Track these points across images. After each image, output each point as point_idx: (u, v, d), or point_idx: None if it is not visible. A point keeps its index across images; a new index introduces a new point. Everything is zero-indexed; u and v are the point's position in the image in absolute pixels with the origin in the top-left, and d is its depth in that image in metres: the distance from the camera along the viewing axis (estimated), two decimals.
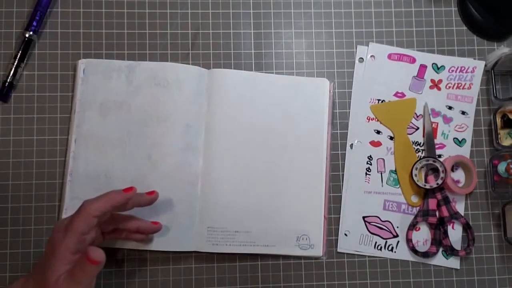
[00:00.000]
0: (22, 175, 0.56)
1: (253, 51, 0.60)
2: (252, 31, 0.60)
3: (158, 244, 0.55)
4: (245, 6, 0.61)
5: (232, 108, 0.58)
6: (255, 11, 0.61)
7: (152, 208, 0.54)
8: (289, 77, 0.59)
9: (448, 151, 0.60)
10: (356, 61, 0.61)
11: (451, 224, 0.59)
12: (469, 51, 0.62)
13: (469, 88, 0.61)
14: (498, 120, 0.59)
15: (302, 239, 0.56)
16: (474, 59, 0.61)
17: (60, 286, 0.43)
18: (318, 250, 0.57)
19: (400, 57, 0.61)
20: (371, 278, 0.58)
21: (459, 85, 0.61)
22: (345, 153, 0.59)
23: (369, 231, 0.58)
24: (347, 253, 0.58)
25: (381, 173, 0.59)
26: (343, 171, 0.59)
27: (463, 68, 0.61)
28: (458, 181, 0.60)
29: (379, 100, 0.60)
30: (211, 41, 0.60)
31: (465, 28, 0.62)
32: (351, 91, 0.60)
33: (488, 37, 0.62)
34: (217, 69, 0.59)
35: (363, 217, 0.59)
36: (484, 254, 0.59)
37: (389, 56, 0.61)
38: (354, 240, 0.58)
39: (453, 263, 0.58)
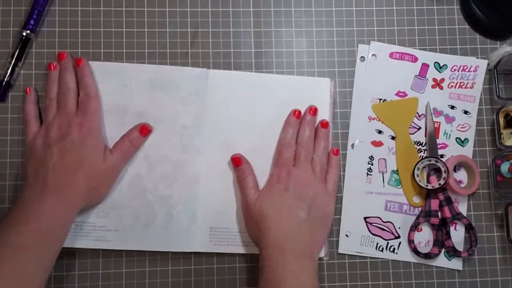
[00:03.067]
0: (19, 176, 0.56)
1: (253, 50, 0.59)
2: (252, 30, 0.60)
3: (159, 245, 0.55)
4: (245, 4, 0.60)
5: (232, 108, 0.57)
6: (255, 9, 0.60)
7: (150, 209, 0.55)
8: (290, 77, 0.59)
9: (450, 151, 0.59)
10: (358, 60, 0.60)
11: (454, 225, 0.58)
12: (471, 50, 0.61)
13: (472, 87, 0.60)
14: (501, 120, 0.59)
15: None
16: (477, 58, 0.61)
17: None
18: (321, 250, 0.56)
19: (402, 56, 0.60)
20: (373, 279, 0.57)
21: (462, 84, 0.60)
22: (346, 153, 0.59)
23: (370, 232, 0.58)
24: (348, 254, 0.57)
25: (383, 174, 0.59)
26: (344, 171, 0.58)
27: (465, 67, 0.60)
28: (460, 182, 0.59)
29: (380, 99, 0.60)
30: (210, 40, 0.59)
31: (467, 26, 0.61)
32: (352, 90, 0.60)
33: (490, 36, 0.61)
34: (216, 70, 0.58)
35: (364, 218, 0.58)
36: (486, 256, 0.58)
37: (391, 55, 0.60)
38: (355, 241, 0.57)
39: (456, 264, 0.58)
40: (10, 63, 0.56)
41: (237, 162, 0.55)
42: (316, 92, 0.58)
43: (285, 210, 0.51)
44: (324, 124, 0.57)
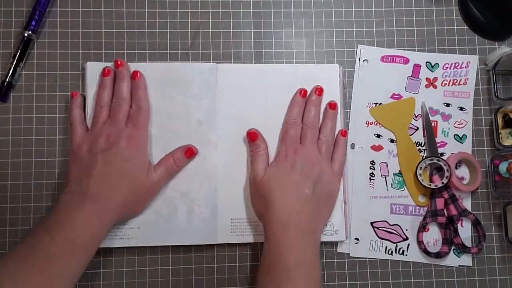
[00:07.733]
0: (21, 175, 0.56)
1: (253, 50, 0.60)
2: (252, 31, 0.60)
3: (182, 239, 0.55)
4: (245, 5, 0.60)
5: (244, 100, 0.57)
6: (255, 10, 0.60)
7: (172, 205, 0.55)
8: (299, 65, 0.59)
9: (450, 149, 0.59)
10: (360, 61, 0.60)
11: (460, 222, 0.58)
12: (470, 51, 0.61)
13: (465, 83, 0.60)
14: (500, 120, 0.59)
15: (327, 225, 0.56)
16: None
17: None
18: (342, 235, 0.56)
19: (393, 59, 0.60)
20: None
21: (455, 81, 0.60)
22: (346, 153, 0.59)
23: (378, 236, 0.58)
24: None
25: (385, 177, 0.59)
26: (346, 171, 0.58)
27: (457, 64, 0.61)
28: (462, 178, 0.59)
29: (376, 103, 0.60)
30: (210, 41, 0.60)
31: (466, 27, 0.62)
32: (351, 91, 0.60)
33: (489, 37, 0.62)
34: (225, 64, 0.58)
35: (371, 223, 0.58)
36: (485, 255, 0.58)
37: (382, 59, 0.60)
38: (364, 246, 0.58)
39: (465, 260, 0.58)
40: (12, 64, 0.56)
41: (252, 137, 0.55)
42: (326, 79, 0.58)
43: (291, 186, 0.52)
44: (332, 106, 0.57)
